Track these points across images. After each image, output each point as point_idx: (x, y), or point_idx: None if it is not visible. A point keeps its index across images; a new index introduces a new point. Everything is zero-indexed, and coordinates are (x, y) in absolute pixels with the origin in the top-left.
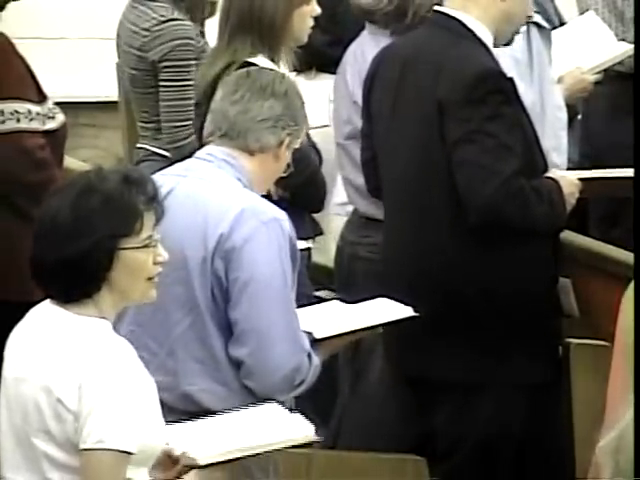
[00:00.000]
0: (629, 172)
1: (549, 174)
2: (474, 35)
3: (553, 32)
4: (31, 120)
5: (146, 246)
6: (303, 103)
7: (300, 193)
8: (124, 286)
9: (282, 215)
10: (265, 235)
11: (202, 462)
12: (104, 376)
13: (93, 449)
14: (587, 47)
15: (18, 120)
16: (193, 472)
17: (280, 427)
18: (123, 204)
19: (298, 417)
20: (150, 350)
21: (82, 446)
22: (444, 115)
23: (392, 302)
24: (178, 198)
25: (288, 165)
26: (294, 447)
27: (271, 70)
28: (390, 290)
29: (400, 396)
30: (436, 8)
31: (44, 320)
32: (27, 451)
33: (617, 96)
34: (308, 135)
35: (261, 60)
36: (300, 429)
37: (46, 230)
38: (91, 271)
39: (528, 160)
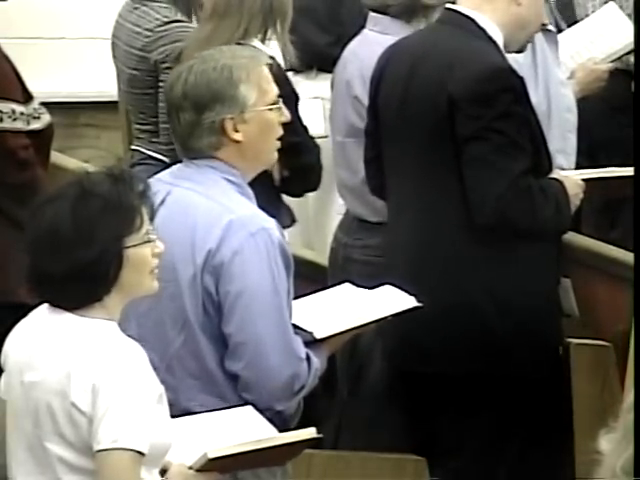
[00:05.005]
0: (630, 171)
1: (553, 175)
2: (486, 34)
3: (574, 26)
4: (14, 120)
5: (146, 241)
6: (237, 80)
7: (298, 173)
8: (131, 283)
9: (270, 223)
10: (254, 246)
11: (210, 455)
12: (117, 378)
13: (108, 449)
14: (605, 38)
15: (1, 120)
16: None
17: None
18: (121, 204)
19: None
20: (152, 365)
21: (97, 447)
22: (455, 111)
23: (397, 291)
24: (169, 210)
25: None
26: (298, 444)
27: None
28: (393, 286)
29: (399, 394)
30: (448, 6)
31: (49, 324)
32: (39, 456)
33: (612, 92)
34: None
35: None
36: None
37: (46, 241)
38: (103, 276)
39: (535, 160)
